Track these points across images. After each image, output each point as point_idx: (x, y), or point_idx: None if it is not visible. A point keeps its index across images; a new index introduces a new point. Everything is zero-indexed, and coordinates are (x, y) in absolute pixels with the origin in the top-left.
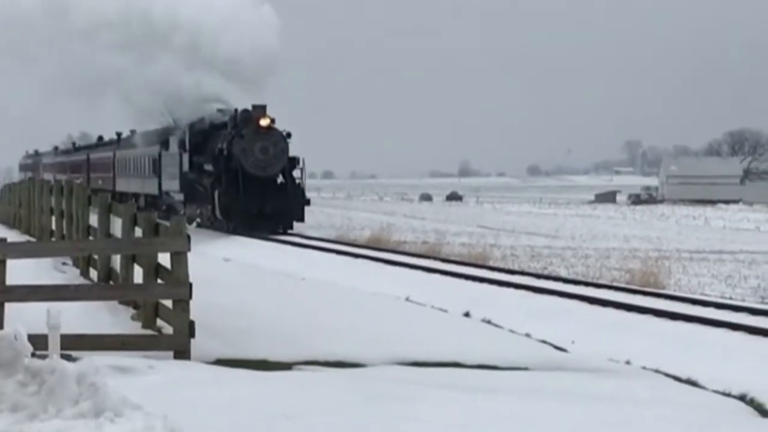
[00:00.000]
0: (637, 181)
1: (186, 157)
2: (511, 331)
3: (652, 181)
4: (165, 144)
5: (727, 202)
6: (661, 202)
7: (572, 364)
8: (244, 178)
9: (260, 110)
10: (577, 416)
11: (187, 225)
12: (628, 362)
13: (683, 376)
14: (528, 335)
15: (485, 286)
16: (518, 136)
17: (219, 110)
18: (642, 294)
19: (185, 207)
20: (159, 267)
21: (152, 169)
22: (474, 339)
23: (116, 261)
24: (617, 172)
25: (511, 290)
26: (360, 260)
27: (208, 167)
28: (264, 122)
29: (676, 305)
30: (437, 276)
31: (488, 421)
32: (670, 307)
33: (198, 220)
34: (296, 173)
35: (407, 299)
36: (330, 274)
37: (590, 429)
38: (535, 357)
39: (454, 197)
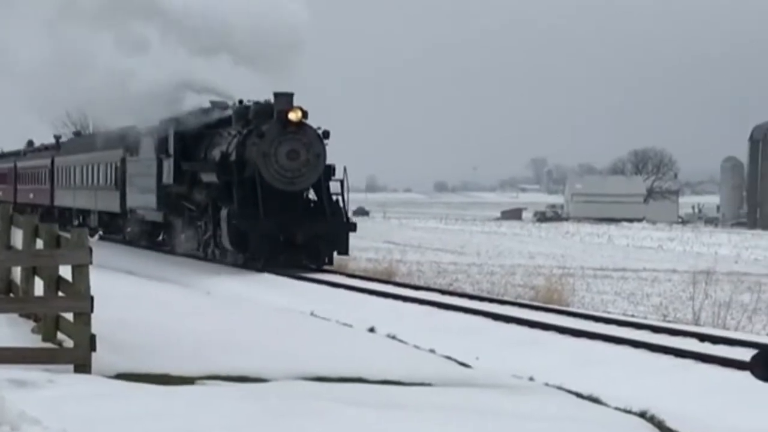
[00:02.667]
0: (542, 199)
1: (170, 164)
2: (416, 346)
3: (558, 199)
4: (132, 148)
5: (630, 220)
6: (567, 219)
7: (476, 380)
8: (265, 193)
9: (286, 100)
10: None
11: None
12: (531, 378)
13: (585, 392)
14: (432, 351)
15: (390, 301)
16: (425, 153)
17: (212, 103)
18: (546, 311)
19: (167, 229)
20: (60, 280)
21: (111, 179)
22: (378, 354)
23: (17, 273)
24: (523, 190)
25: (417, 306)
26: (264, 274)
27: (208, 178)
28: (294, 116)
29: (579, 322)
30: (343, 291)
31: None
32: (574, 324)
33: (192, 247)
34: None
35: (312, 314)
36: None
37: None
38: (439, 373)
39: (360, 212)
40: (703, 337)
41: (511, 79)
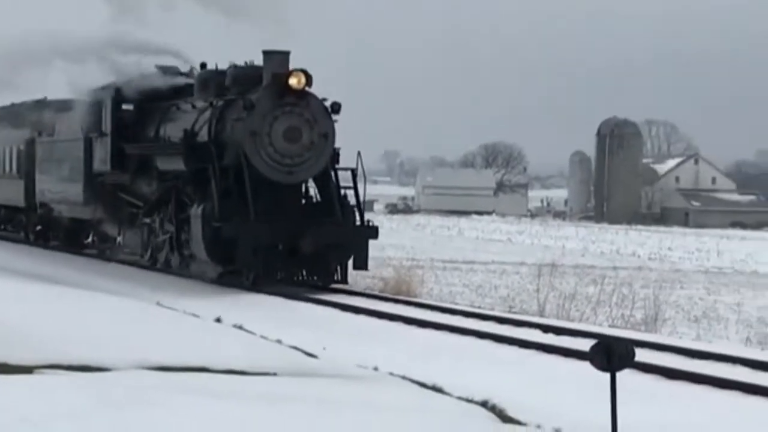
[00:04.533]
0: (394, 191)
1: (105, 145)
2: (263, 337)
3: (409, 191)
4: (45, 125)
5: (481, 213)
6: (418, 211)
7: (321, 370)
8: (255, 186)
9: (281, 61)
10: (325, 421)
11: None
12: (376, 368)
13: (429, 382)
14: (279, 341)
15: (239, 291)
16: None
17: (160, 69)
18: (394, 302)
19: (97, 229)
20: None
21: (12, 165)
22: (224, 344)
23: None
24: (375, 182)
25: (265, 296)
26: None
27: (167, 165)
28: (296, 82)
29: (426, 313)
30: (190, 282)
31: (237, 427)
32: (421, 315)
33: (133, 253)
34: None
35: (159, 304)
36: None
37: None
38: (285, 363)
39: None
40: (546, 328)
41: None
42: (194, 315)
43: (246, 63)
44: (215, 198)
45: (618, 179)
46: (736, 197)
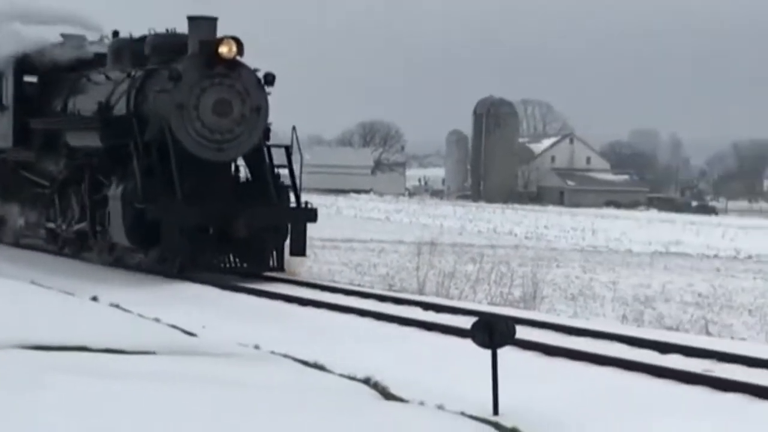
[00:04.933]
0: None
1: (7, 119)
2: (141, 315)
3: None
4: None
5: (358, 191)
6: None
7: (201, 349)
8: (182, 164)
9: (208, 27)
10: (205, 400)
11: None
12: (257, 347)
13: (311, 360)
14: (157, 320)
15: (116, 270)
16: None
17: (64, 37)
18: (274, 281)
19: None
20: None
21: None
22: (101, 323)
23: None
24: None
25: (143, 276)
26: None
27: (80, 141)
28: (227, 50)
29: (306, 291)
30: (63, 259)
31: (120, 407)
32: (301, 294)
33: (35, 236)
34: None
35: (33, 282)
36: None
37: (220, 413)
38: (163, 342)
39: None
40: (427, 306)
41: None
42: (68, 293)
43: (167, 30)
44: (138, 177)
45: (494, 158)
46: (610, 177)
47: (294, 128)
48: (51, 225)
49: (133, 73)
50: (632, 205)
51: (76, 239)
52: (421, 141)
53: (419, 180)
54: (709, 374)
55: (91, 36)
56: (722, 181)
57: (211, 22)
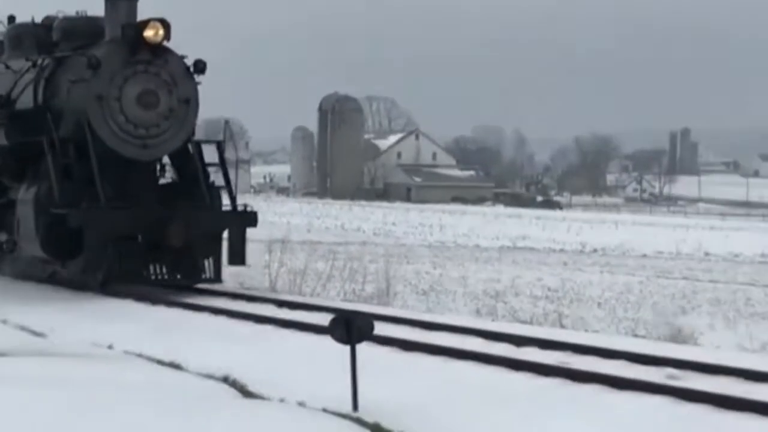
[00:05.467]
0: None
1: None
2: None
3: None
4: None
5: None
6: None
7: (53, 350)
8: (103, 164)
9: (128, 9)
10: (60, 401)
11: None
12: (110, 347)
13: (167, 359)
14: (5, 321)
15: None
16: None
17: None
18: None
19: None
20: None
21: None
22: None
23: None
24: None
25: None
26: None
27: None
28: (153, 34)
29: (158, 291)
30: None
31: None
32: (153, 293)
33: None
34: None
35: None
36: None
37: (75, 414)
38: (13, 343)
39: None
40: (281, 303)
41: None
42: None
43: (78, 13)
44: (53, 178)
45: (340, 155)
46: (456, 173)
47: (227, 122)
48: None
49: (39, 61)
50: (478, 200)
51: None
52: (265, 137)
53: (264, 177)
54: (565, 366)
55: None
56: (566, 176)
57: (132, 3)
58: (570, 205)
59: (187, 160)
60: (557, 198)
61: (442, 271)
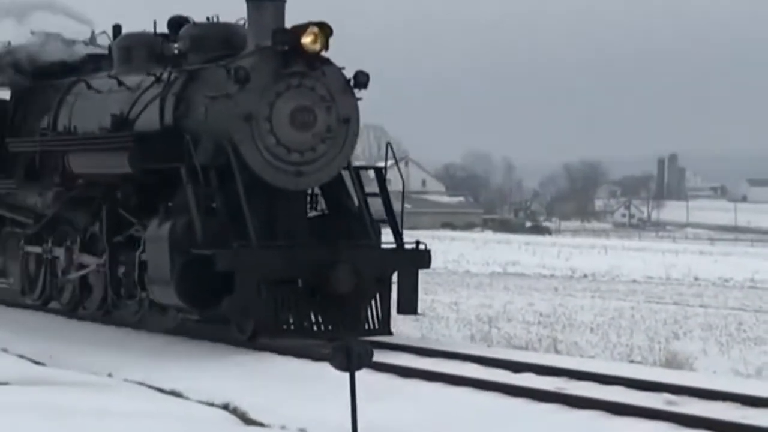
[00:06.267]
0: None
1: None
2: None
3: None
4: None
5: None
6: None
7: (54, 379)
8: (248, 195)
9: (275, 12)
10: (54, 428)
11: None
12: (110, 375)
13: (167, 387)
14: (5, 350)
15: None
16: None
17: (36, 35)
18: None
19: None
20: None
21: None
22: None
23: None
24: None
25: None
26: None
27: (87, 167)
28: (311, 42)
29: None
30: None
31: None
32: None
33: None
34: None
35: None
36: None
37: None
38: (15, 372)
39: None
40: None
41: None
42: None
43: (209, 19)
44: (194, 212)
45: None
46: (445, 199)
47: (389, 145)
48: (31, 274)
49: (167, 75)
50: (468, 226)
51: (74, 291)
52: None
53: None
54: (562, 392)
55: (79, 32)
56: (555, 201)
57: (279, 4)
58: (559, 231)
59: (342, 188)
60: (546, 223)
61: (433, 296)
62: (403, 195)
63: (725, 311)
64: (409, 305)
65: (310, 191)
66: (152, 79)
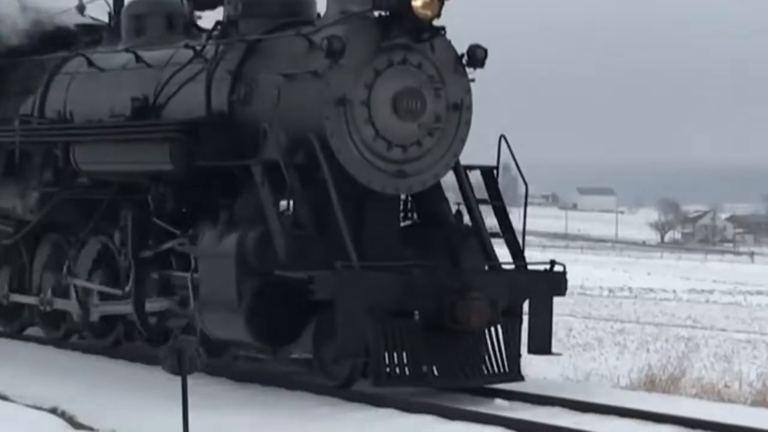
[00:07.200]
0: None
1: None
2: None
3: None
4: None
5: None
6: None
7: None
8: (345, 202)
9: None
10: None
11: None
12: None
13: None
14: None
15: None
16: None
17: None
18: None
19: None
20: None
21: None
22: None
23: None
24: None
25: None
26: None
27: (100, 164)
28: (422, 4)
29: None
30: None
31: None
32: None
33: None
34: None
35: None
36: None
37: None
38: None
39: None
40: None
41: None
42: None
43: None
44: (275, 222)
45: None
46: None
47: (503, 137)
48: (17, 297)
49: (213, 48)
50: None
51: (103, 325)
52: None
53: None
54: None
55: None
56: None
57: None
58: None
59: (438, 191)
60: None
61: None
62: (526, 202)
63: (556, 318)
64: (542, 343)
65: (403, 195)
66: (190, 53)
